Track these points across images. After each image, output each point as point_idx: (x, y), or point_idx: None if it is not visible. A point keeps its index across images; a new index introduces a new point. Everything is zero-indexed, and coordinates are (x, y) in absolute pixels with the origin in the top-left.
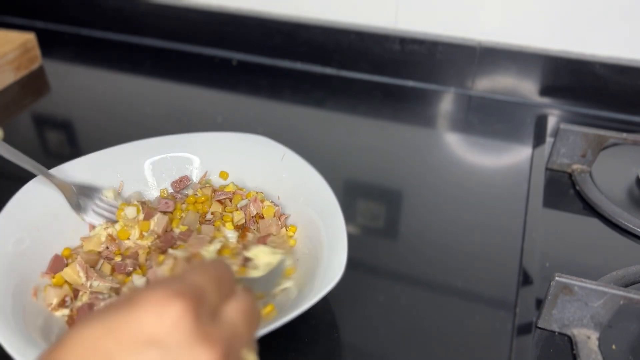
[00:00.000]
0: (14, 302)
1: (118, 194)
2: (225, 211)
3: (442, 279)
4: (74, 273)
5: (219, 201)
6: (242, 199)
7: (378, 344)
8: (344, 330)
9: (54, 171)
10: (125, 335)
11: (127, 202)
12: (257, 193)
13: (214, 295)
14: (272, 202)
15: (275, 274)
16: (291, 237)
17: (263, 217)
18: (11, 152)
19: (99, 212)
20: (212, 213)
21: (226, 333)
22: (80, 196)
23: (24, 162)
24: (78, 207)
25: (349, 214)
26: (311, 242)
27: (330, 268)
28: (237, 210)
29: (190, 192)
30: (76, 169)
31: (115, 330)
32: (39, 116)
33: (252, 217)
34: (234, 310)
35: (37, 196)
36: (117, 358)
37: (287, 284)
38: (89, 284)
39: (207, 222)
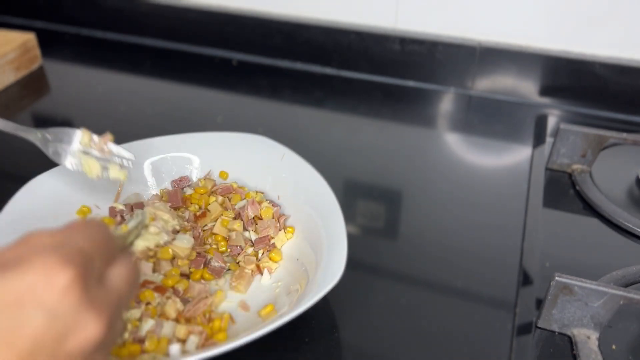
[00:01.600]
0: None
1: (91, 137)
2: (224, 215)
3: (442, 279)
4: None
5: (220, 202)
6: (241, 199)
7: (378, 344)
8: (344, 330)
9: (54, 171)
10: (12, 295)
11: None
12: (256, 193)
13: (100, 261)
14: (271, 202)
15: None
16: (290, 237)
17: (262, 219)
18: None
19: (77, 157)
20: (208, 209)
21: (111, 298)
22: (56, 143)
23: None
24: (57, 155)
25: (349, 214)
26: (311, 242)
27: (330, 268)
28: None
29: (190, 191)
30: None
31: (2, 289)
32: (39, 116)
33: (250, 219)
34: (117, 275)
35: (36, 196)
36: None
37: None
38: None
39: (204, 223)
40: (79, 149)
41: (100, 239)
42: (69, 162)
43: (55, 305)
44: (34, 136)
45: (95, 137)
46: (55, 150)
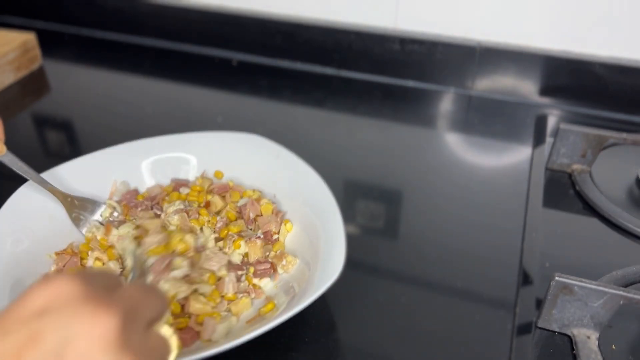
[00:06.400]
0: (10, 300)
1: (112, 213)
2: (230, 208)
3: (442, 279)
4: None
5: (222, 196)
6: (240, 197)
7: (378, 344)
8: (344, 330)
9: (52, 171)
10: (15, 314)
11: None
12: (253, 191)
13: (100, 278)
14: (269, 200)
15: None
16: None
17: (261, 215)
18: (14, 163)
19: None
20: (209, 203)
21: (119, 300)
22: (80, 210)
23: (26, 173)
24: (77, 220)
25: (349, 214)
26: (309, 240)
27: (329, 265)
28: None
29: (186, 191)
30: (73, 170)
31: (6, 313)
32: (39, 116)
33: (251, 219)
34: (128, 291)
35: (31, 199)
36: (12, 333)
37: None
38: None
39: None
40: (98, 219)
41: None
42: (86, 229)
43: (52, 305)
44: (64, 199)
45: (115, 213)
46: (77, 216)
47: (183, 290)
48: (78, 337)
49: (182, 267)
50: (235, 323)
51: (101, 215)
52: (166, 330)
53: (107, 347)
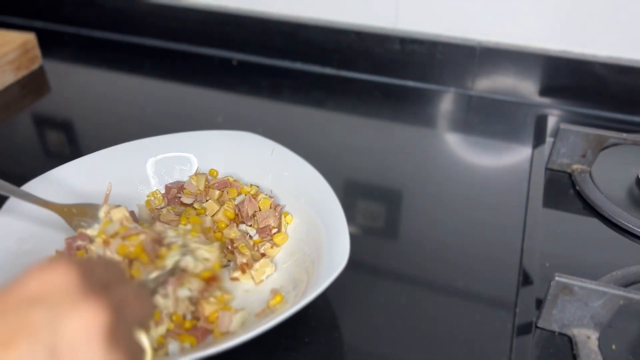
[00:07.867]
0: None
1: (109, 211)
2: (227, 205)
3: (442, 278)
4: None
5: (217, 197)
6: (238, 194)
7: (378, 344)
8: (344, 330)
9: (52, 173)
10: (11, 297)
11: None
12: (250, 187)
13: (101, 271)
14: (266, 195)
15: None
16: (287, 225)
17: (260, 210)
18: (6, 188)
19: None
20: (205, 207)
21: (113, 298)
22: (80, 217)
23: (11, 192)
24: (78, 228)
25: (349, 214)
26: (309, 231)
27: (334, 255)
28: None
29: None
30: (74, 171)
31: (2, 295)
32: (39, 116)
33: (250, 215)
34: (123, 290)
35: (26, 205)
36: (4, 317)
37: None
38: None
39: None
40: (99, 222)
41: (104, 262)
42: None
43: (49, 297)
44: (59, 210)
45: (113, 213)
46: (77, 224)
47: (181, 309)
48: (68, 330)
49: (191, 290)
50: (247, 316)
51: (100, 217)
52: (143, 336)
53: (95, 341)
